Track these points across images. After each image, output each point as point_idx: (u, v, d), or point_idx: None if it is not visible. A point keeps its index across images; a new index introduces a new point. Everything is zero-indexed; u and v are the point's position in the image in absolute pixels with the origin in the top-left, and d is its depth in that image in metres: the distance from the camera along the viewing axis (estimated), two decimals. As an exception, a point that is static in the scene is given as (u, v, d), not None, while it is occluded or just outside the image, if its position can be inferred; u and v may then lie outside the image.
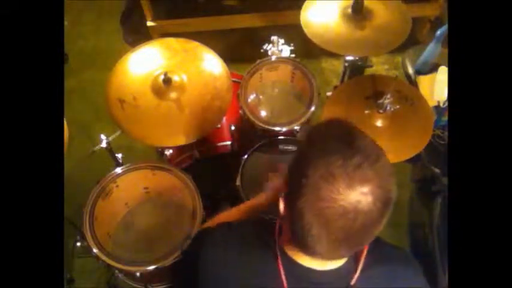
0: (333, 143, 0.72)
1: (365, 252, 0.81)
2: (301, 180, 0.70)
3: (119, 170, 1.58)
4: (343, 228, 0.69)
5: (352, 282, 0.81)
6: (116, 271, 1.57)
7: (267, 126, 1.69)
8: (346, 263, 0.82)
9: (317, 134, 0.79)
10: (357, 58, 1.93)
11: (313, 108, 1.72)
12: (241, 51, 2.43)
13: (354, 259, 0.83)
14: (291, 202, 0.74)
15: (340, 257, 0.80)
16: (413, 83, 2.05)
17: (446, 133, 1.85)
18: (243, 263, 0.87)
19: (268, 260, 0.83)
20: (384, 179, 0.71)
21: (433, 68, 1.99)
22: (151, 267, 1.40)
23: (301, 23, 1.68)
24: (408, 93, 1.57)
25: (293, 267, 0.82)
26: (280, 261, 0.82)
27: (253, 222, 0.99)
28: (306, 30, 1.66)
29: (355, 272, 0.82)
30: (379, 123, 1.51)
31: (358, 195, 0.68)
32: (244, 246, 0.88)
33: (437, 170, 1.91)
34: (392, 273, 0.86)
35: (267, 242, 0.85)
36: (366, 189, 0.68)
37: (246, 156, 1.65)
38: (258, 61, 1.82)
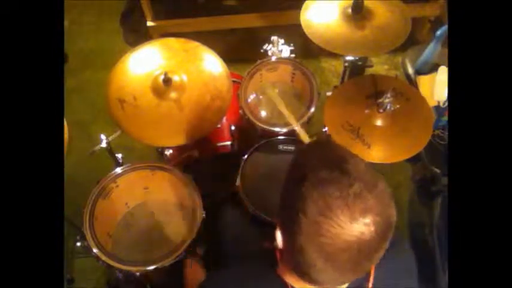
0: (325, 171, 0.68)
1: (373, 270, 0.81)
2: (299, 216, 0.67)
3: (119, 170, 1.58)
4: (348, 260, 0.67)
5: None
6: (116, 271, 1.57)
7: (267, 127, 1.69)
8: (350, 284, 0.81)
9: (306, 162, 0.74)
10: (357, 58, 1.93)
11: (313, 109, 1.72)
12: (241, 51, 2.43)
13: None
14: (290, 237, 0.70)
15: (345, 283, 0.80)
16: (413, 83, 2.06)
17: (446, 133, 1.85)
18: None
19: None
20: (384, 205, 0.68)
21: (433, 68, 2.00)
22: (151, 267, 1.40)
23: (301, 23, 1.68)
24: (405, 91, 1.58)
25: None
26: None
27: (253, 257, 0.97)
28: (306, 30, 1.66)
29: (368, 281, 0.81)
30: (379, 122, 1.51)
31: (361, 227, 0.65)
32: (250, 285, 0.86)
33: (437, 170, 1.91)
34: (398, 266, 0.87)
35: (271, 278, 0.83)
36: (368, 219, 0.65)
37: (246, 156, 1.65)
38: (258, 61, 1.82)
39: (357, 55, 1.88)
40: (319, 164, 0.70)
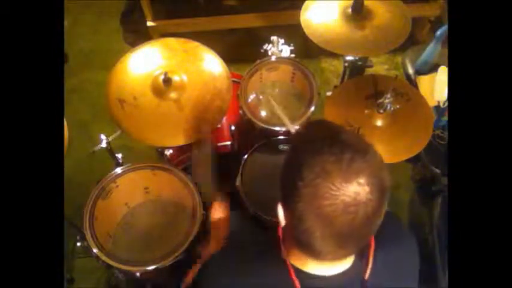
0: (320, 142, 0.73)
1: (373, 246, 0.82)
2: (298, 184, 0.71)
3: (119, 170, 1.57)
4: (347, 223, 0.70)
5: (366, 276, 0.82)
6: (116, 271, 1.57)
7: (267, 126, 1.69)
8: (353, 262, 0.83)
9: (302, 137, 0.80)
10: (357, 58, 1.93)
11: (313, 108, 1.72)
12: (241, 51, 2.42)
13: (360, 257, 0.83)
14: (290, 208, 0.74)
15: (348, 255, 0.80)
16: (413, 83, 2.05)
17: (446, 133, 1.85)
18: (255, 285, 0.85)
19: (280, 276, 0.82)
20: (377, 168, 0.72)
21: (433, 68, 1.99)
22: (151, 267, 1.40)
23: (301, 23, 1.68)
24: (406, 91, 1.58)
25: (302, 279, 0.81)
26: (294, 275, 0.81)
27: (254, 239, 0.99)
28: (306, 30, 1.66)
29: (367, 266, 0.82)
30: (379, 123, 1.51)
31: (356, 187, 0.68)
32: (251, 268, 0.87)
33: (437, 170, 1.91)
34: (397, 257, 0.88)
35: (273, 258, 0.84)
36: (362, 180, 0.69)
37: (246, 156, 1.65)
38: (258, 61, 1.82)
39: (357, 55, 1.89)
40: (315, 136, 0.76)
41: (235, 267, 0.88)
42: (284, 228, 0.82)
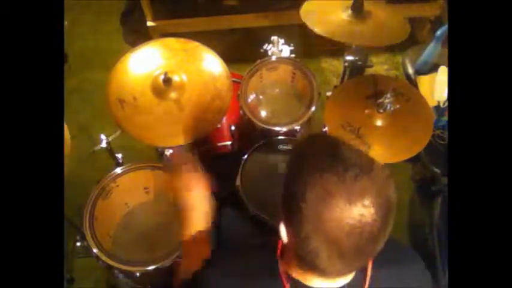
0: (322, 158, 0.70)
1: (370, 261, 0.81)
2: (300, 205, 0.68)
3: (119, 170, 1.58)
4: (352, 245, 0.68)
5: (365, 286, 0.81)
6: (116, 271, 1.57)
7: (267, 126, 1.69)
8: (355, 274, 0.82)
9: (303, 152, 0.76)
10: (357, 58, 1.92)
11: (313, 108, 1.72)
12: (241, 51, 2.42)
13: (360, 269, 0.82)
14: (294, 228, 0.71)
15: (352, 271, 0.79)
16: (413, 83, 2.05)
17: (446, 133, 1.85)
18: None
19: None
20: (382, 186, 0.69)
21: (433, 68, 1.99)
22: (151, 267, 1.40)
23: (301, 14, 1.66)
24: (406, 91, 1.58)
25: None
26: None
27: (253, 249, 0.96)
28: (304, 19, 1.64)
29: (365, 279, 0.81)
30: (379, 123, 1.51)
31: (361, 209, 0.66)
32: (248, 278, 0.85)
33: (437, 170, 1.91)
34: (399, 273, 0.87)
35: (272, 270, 0.83)
36: (367, 201, 0.66)
37: (246, 156, 1.65)
38: (258, 61, 1.82)
39: (359, 44, 1.86)
40: (315, 153, 0.72)
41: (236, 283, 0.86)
42: (286, 247, 0.79)
